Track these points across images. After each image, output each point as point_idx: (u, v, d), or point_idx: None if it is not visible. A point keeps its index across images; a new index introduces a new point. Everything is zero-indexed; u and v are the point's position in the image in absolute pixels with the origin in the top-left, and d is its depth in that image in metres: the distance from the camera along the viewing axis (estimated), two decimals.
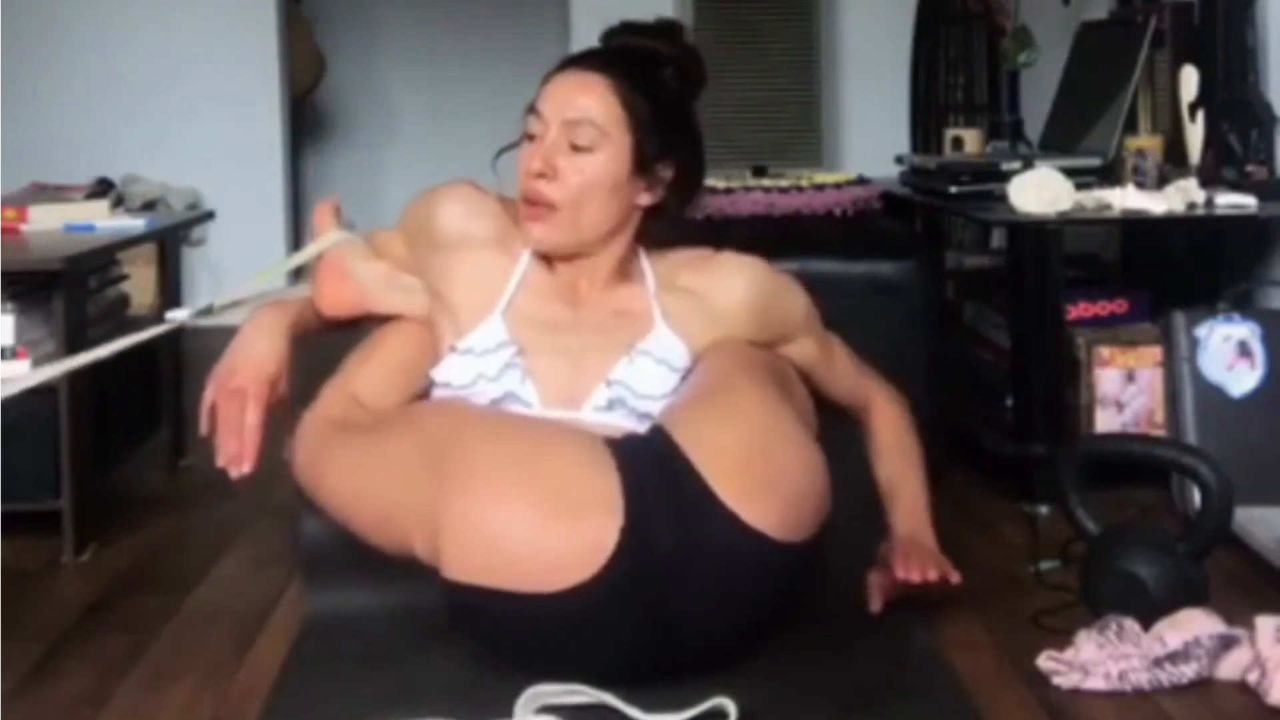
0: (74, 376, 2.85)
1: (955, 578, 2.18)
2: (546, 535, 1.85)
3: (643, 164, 2.14)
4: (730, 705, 1.82)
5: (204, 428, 2.09)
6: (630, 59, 2.18)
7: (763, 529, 1.89)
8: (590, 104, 2.12)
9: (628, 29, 2.24)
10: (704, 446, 1.93)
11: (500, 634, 1.91)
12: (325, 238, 2.25)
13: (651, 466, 1.92)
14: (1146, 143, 3.34)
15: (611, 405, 2.08)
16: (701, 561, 1.88)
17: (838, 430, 2.61)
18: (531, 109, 2.15)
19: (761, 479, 1.92)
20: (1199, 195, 3.02)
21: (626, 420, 2.07)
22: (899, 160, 3.88)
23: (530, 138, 2.14)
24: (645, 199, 2.16)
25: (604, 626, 1.87)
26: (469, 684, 1.91)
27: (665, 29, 2.24)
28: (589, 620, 1.86)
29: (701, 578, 1.89)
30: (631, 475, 1.90)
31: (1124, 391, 3.07)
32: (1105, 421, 3.06)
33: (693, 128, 2.23)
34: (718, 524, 1.88)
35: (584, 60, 2.18)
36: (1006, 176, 3.15)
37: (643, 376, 2.09)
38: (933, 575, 2.15)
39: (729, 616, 1.94)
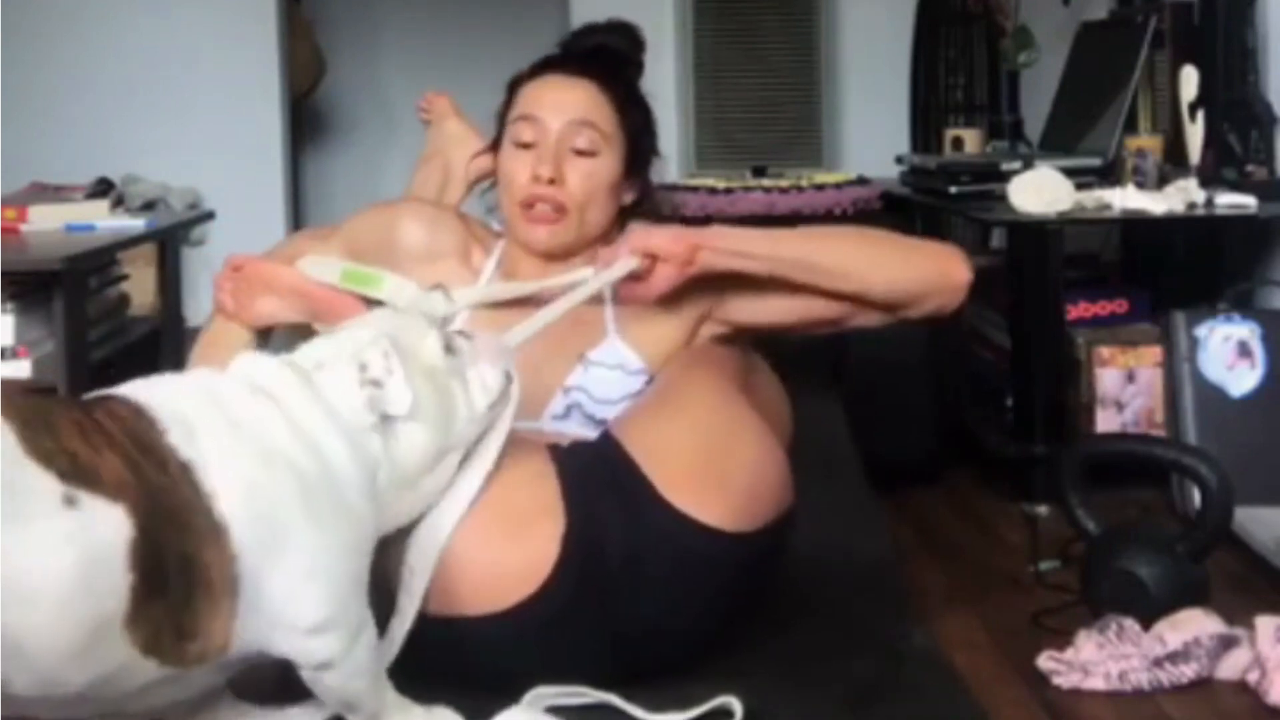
0: (73, 378, 2.85)
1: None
2: (487, 553, 1.82)
3: (634, 165, 2.15)
4: (736, 704, 1.82)
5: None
6: (603, 60, 2.19)
7: (714, 524, 1.86)
8: (589, 108, 2.12)
9: (591, 31, 2.24)
10: (649, 447, 1.90)
11: (452, 661, 1.86)
12: (321, 262, 2.15)
13: (593, 471, 1.90)
14: (1146, 143, 3.34)
15: (568, 411, 2.08)
16: (654, 563, 1.86)
17: (834, 430, 2.62)
18: (522, 116, 2.13)
19: (711, 474, 1.89)
20: (1199, 195, 3.02)
21: (582, 428, 2.06)
22: (899, 160, 3.89)
23: (525, 145, 2.12)
24: (629, 198, 2.17)
25: (560, 639, 1.85)
26: (467, 683, 1.90)
27: (623, 28, 2.25)
28: (544, 634, 1.84)
29: (655, 579, 1.87)
30: (572, 481, 1.88)
31: (1124, 391, 3.07)
32: (1105, 421, 3.06)
33: (650, 111, 2.22)
34: (667, 523, 1.86)
35: (563, 65, 2.18)
36: (1006, 176, 3.15)
37: (598, 382, 2.09)
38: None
39: (688, 616, 1.91)
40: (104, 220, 3.49)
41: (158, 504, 1.51)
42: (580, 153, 2.11)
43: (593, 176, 2.11)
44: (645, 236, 2.05)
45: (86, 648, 1.46)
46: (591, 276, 2.08)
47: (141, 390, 1.64)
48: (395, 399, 1.72)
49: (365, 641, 1.68)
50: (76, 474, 1.47)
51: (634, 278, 2.06)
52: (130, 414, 1.57)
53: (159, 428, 1.57)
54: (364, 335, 1.78)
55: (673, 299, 2.12)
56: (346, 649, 1.65)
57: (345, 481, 1.68)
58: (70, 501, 1.45)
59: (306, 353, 1.78)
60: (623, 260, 2.04)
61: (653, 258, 2.03)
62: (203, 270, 5.28)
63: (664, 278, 2.05)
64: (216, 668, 1.60)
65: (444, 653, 1.85)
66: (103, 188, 4.43)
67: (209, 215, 4.22)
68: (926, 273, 2.11)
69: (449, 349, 1.83)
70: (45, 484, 1.44)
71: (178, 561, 1.51)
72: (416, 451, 1.76)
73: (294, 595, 1.59)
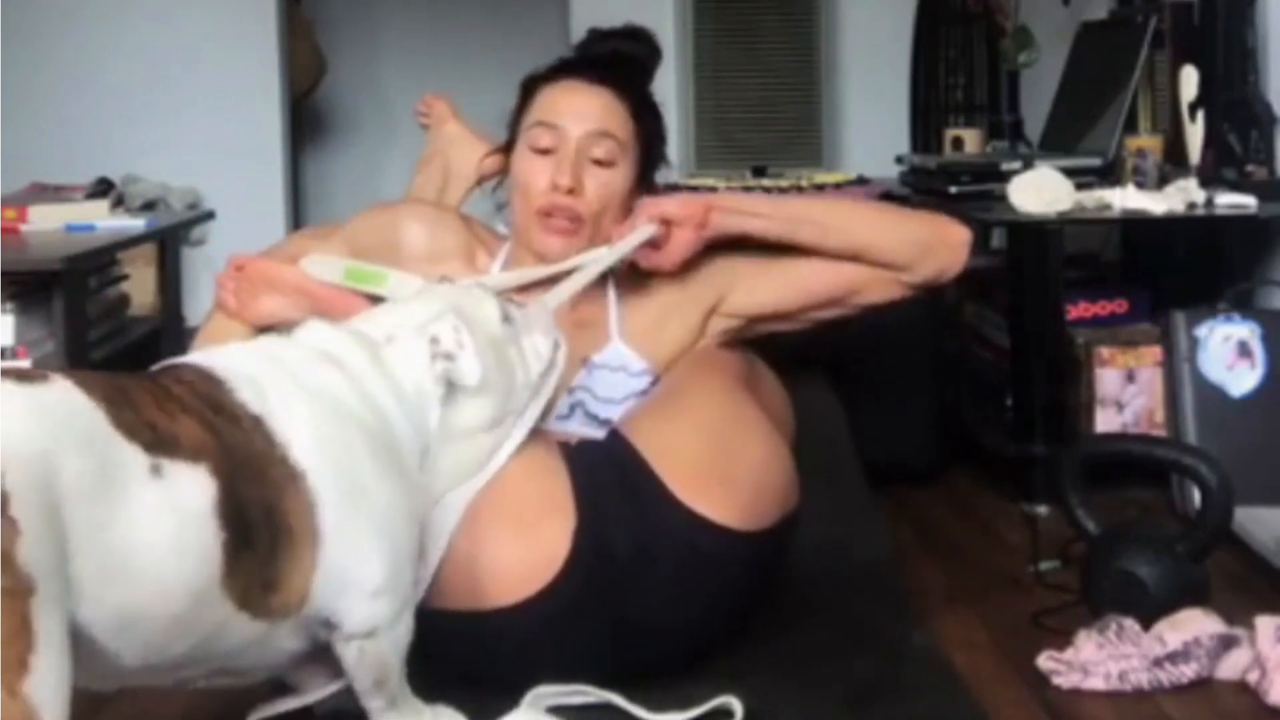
0: None
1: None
2: (497, 548, 1.84)
3: (646, 173, 2.17)
4: (736, 703, 1.83)
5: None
6: (620, 67, 2.19)
7: (721, 521, 1.89)
8: (608, 118, 2.13)
9: (608, 36, 2.25)
10: (658, 445, 1.93)
11: (460, 654, 1.88)
12: (324, 261, 2.18)
13: (604, 468, 1.92)
14: (1146, 143, 3.34)
15: (572, 410, 2.08)
16: (662, 560, 1.88)
17: (833, 430, 2.62)
18: (540, 122, 2.13)
19: (718, 472, 1.91)
20: (1199, 195, 3.01)
21: (585, 427, 2.07)
22: (899, 160, 3.88)
23: (543, 151, 2.12)
24: (634, 201, 2.18)
25: (567, 634, 1.86)
26: (471, 682, 1.90)
27: (640, 34, 2.26)
28: (551, 630, 1.86)
29: (663, 575, 1.89)
30: (583, 477, 1.89)
31: (1124, 391, 3.07)
32: (1105, 421, 3.06)
33: (661, 118, 2.25)
34: (675, 521, 1.88)
35: (581, 70, 2.18)
36: (1006, 176, 3.15)
37: (601, 383, 2.10)
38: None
39: (694, 613, 1.93)
40: (104, 220, 3.49)
41: (235, 459, 1.54)
42: (598, 162, 2.11)
43: (609, 186, 2.12)
44: (657, 204, 2.08)
45: (188, 612, 1.49)
46: (607, 251, 2.09)
47: (206, 357, 1.70)
48: (467, 371, 1.76)
49: (408, 616, 1.72)
50: (159, 444, 1.50)
51: (651, 246, 2.08)
52: (198, 378, 1.62)
53: (227, 387, 1.61)
54: (431, 308, 1.81)
55: (679, 293, 2.13)
56: (395, 617, 1.69)
57: (405, 449, 1.72)
58: (157, 471, 1.48)
59: (375, 323, 1.82)
60: (640, 228, 2.06)
61: (668, 224, 2.05)
62: (203, 270, 5.28)
63: (681, 243, 2.07)
64: (294, 630, 1.63)
65: (453, 646, 1.87)
66: (103, 188, 4.43)
67: (209, 215, 4.22)
68: (925, 230, 2.15)
69: (506, 318, 1.86)
70: (134, 457, 1.47)
71: (261, 512, 1.55)
72: (477, 419, 1.82)
73: (363, 554, 1.63)
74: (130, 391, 1.54)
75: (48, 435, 1.40)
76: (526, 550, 1.85)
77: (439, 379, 1.77)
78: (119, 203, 4.28)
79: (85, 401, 1.47)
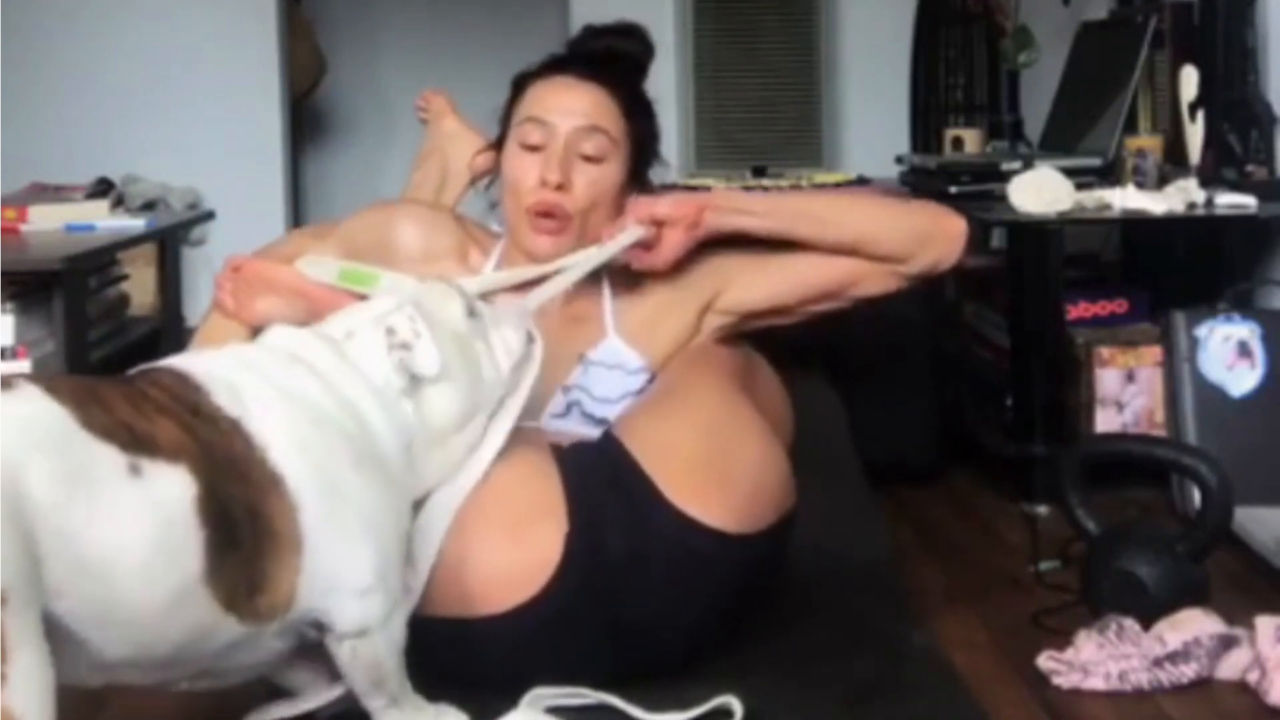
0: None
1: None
2: (490, 554, 1.83)
3: (639, 171, 2.16)
4: (736, 704, 1.82)
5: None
6: (612, 63, 2.18)
7: (715, 524, 1.87)
8: (598, 113, 2.11)
9: (601, 33, 2.24)
10: (651, 447, 1.91)
11: (456, 660, 1.87)
12: (319, 262, 2.19)
13: (596, 471, 1.90)
14: (1146, 143, 3.34)
15: (568, 409, 2.08)
16: (656, 563, 1.87)
17: (833, 430, 2.62)
18: (530, 118, 2.13)
19: (713, 474, 1.90)
20: (1199, 195, 3.01)
21: (582, 426, 2.07)
22: (899, 160, 3.89)
23: (532, 148, 2.12)
24: (626, 199, 2.17)
25: (562, 639, 1.85)
26: (470, 683, 1.90)
27: (633, 30, 2.25)
28: (546, 634, 1.85)
29: (657, 578, 1.87)
30: (575, 481, 1.88)
31: (1124, 391, 3.07)
32: (1105, 421, 3.06)
33: (655, 116, 2.24)
34: (669, 524, 1.87)
35: (572, 67, 2.17)
36: (1006, 176, 3.15)
37: (597, 382, 2.09)
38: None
39: (690, 616, 1.92)
40: (104, 220, 3.50)
41: (215, 459, 1.55)
42: (588, 158, 2.10)
43: (599, 183, 2.11)
44: (650, 205, 2.07)
45: (172, 609, 1.49)
46: (595, 251, 2.09)
47: (182, 362, 1.69)
48: (424, 361, 1.76)
49: (400, 614, 1.71)
50: (136, 443, 1.50)
51: (643, 248, 2.07)
52: (174, 381, 1.62)
53: (204, 390, 1.61)
54: (389, 302, 1.81)
55: (674, 289, 2.13)
56: (386, 616, 1.68)
57: (385, 446, 1.72)
58: (135, 470, 1.48)
59: (335, 323, 1.82)
60: (630, 229, 2.06)
61: (659, 225, 2.05)
62: (203, 270, 5.29)
63: (673, 243, 2.07)
64: (280, 633, 1.63)
65: (448, 652, 1.86)
66: (103, 188, 4.44)
67: (209, 215, 4.22)
68: (921, 220, 2.15)
69: (471, 313, 1.86)
70: (109, 457, 1.47)
71: (244, 513, 1.55)
72: (446, 414, 1.80)
73: (349, 554, 1.63)
74: (101, 393, 1.54)
75: (12, 443, 1.40)
76: (519, 555, 1.84)
77: (398, 370, 1.76)
78: (119, 203, 4.28)
79: (51, 406, 1.47)
